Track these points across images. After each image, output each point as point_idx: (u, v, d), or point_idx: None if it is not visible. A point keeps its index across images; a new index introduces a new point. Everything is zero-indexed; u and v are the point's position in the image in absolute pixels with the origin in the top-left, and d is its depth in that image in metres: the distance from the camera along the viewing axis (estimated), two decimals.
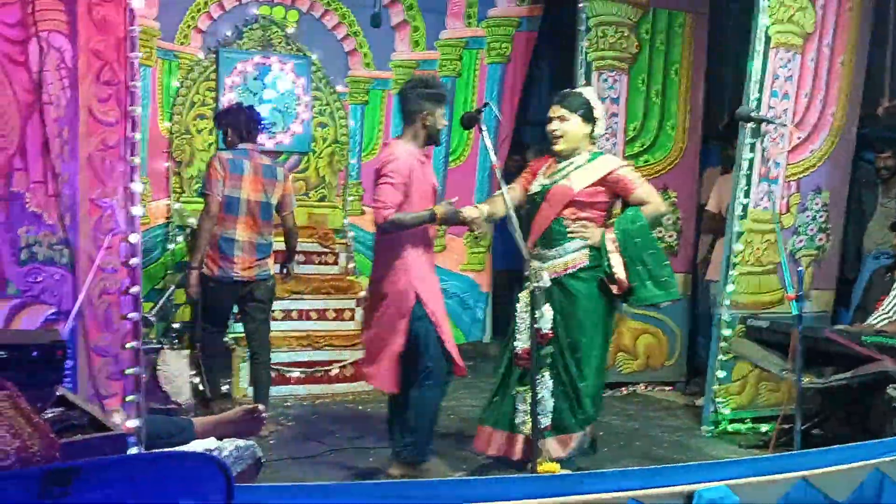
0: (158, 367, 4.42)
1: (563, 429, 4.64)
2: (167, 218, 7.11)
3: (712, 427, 5.81)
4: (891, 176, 6.40)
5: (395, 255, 4.59)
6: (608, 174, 4.68)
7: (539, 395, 4.42)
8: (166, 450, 3.09)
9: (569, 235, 4.69)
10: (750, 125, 5.59)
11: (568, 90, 5.01)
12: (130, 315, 3.54)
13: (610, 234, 4.63)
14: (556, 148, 4.76)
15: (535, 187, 4.84)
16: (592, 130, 4.77)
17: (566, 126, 4.71)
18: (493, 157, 4.68)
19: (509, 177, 8.01)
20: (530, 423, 4.37)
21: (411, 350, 4.59)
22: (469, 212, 4.74)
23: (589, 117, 4.73)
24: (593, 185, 4.67)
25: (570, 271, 4.67)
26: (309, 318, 6.88)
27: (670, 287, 4.62)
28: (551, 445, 4.64)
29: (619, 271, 4.60)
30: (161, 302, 6.21)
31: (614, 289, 4.62)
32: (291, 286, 6.86)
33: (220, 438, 4.01)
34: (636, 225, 4.61)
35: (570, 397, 4.65)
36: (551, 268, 4.67)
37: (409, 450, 4.66)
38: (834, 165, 6.25)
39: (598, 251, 4.65)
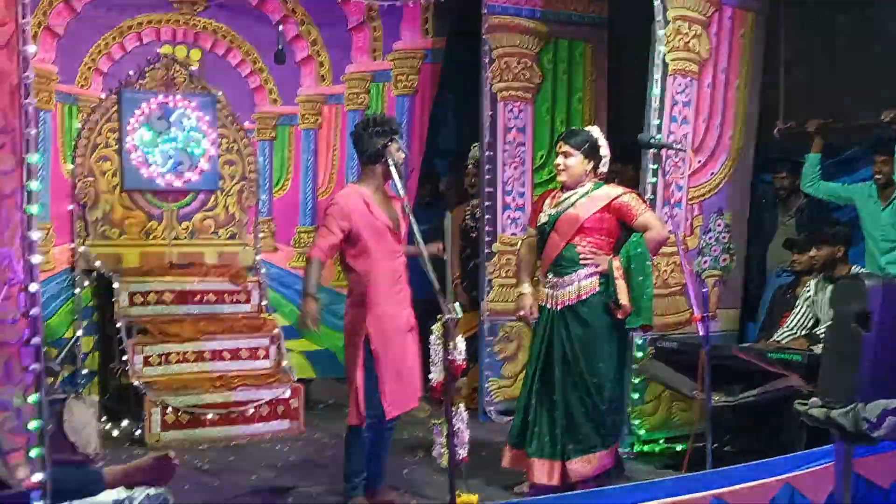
0: (65, 418, 4.30)
1: (587, 449, 4.90)
2: (72, 263, 6.94)
3: (628, 448, 5.88)
4: (788, 195, 6.58)
5: (355, 288, 4.77)
6: (612, 201, 4.95)
7: (455, 427, 4.45)
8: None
9: (580, 262, 4.93)
10: (652, 151, 5.71)
11: (576, 128, 5.54)
12: (32, 367, 3.44)
13: (616, 262, 4.90)
14: (559, 179, 5.08)
15: (542, 218, 5.11)
16: (596, 167, 5.03)
17: (569, 161, 5.00)
18: (401, 191, 4.75)
19: (423, 207, 8.11)
20: (447, 455, 4.39)
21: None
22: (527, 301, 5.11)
23: (591, 154, 5.00)
24: (599, 211, 4.94)
25: (582, 298, 4.93)
26: (222, 359, 6.77)
27: (643, 313, 4.89)
28: (576, 466, 4.90)
29: (623, 297, 4.86)
30: (66, 349, 6.06)
31: (619, 314, 4.88)
32: (203, 326, 6.76)
33: (130, 487, 3.94)
34: (637, 252, 4.89)
35: (593, 418, 4.89)
36: (563, 296, 4.96)
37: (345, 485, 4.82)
38: (734, 187, 6.41)
39: (606, 278, 4.90)
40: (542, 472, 4.93)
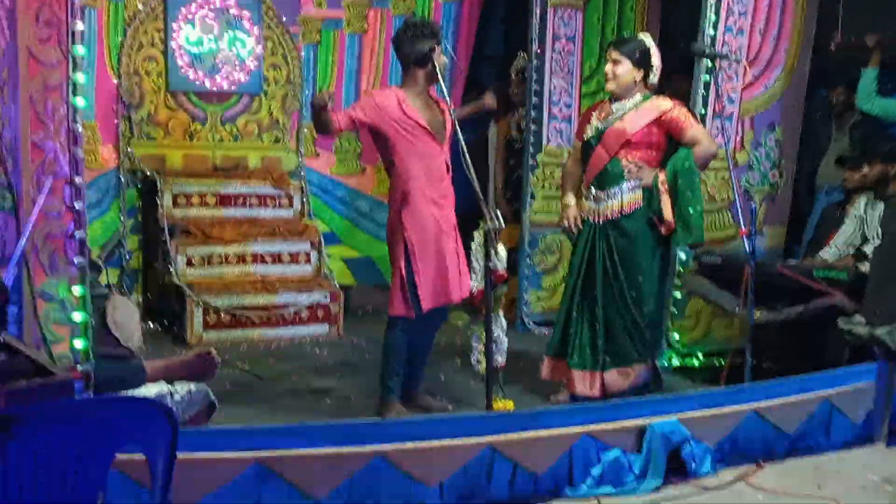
0: (108, 313, 4.36)
1: (624, 361, 4.92)
2: (117, 162, 6.98)
3: (666, 362, 5.87)
4: (843, 111, 6.42)
5: (394, 186, 4.78)
6: (661, 115, 4.85)
7: (494, 335, 4.47)
8: (111, 395, 3.06)
9: (625, 176, 4.87)
10: (705, 61, 5.57)
11: (628, 36, 5.42)
12: (76, 259, 3.48)
13: (661, 175, 4.83)
14: (608, 88, 4.98)
15: (589, 131, 5.03)
16: (647, 76, 4.91)
17: (618, 69, 4.89)
18: (447, 97, 4.70)
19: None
20: (484, 362, 4.41)
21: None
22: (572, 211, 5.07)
23: (642, 63, 4.89)
24: (647, 125, 4.85)
25: (626, 212, 4.88)
26: (264, 262, 6.81)
27: (693, 230, 4.82)
28: (613, 377, 4.93)
29: (667, 212, 4.81)
30: (109, 246, 6.12)
31: (662, 229, 4.83)
32: (245, 230, 6.80)
33: (171, 382, 4.00)
34: (685, 166, 4.80)
35: (631, 331, 4.90)
36: (607, 209, 4.92)
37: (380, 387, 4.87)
38: (787, 102, 6.26)
39: (650, 192, 4.84)
40: (584, 382, 4.94)
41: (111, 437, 2.11)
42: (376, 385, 4.92)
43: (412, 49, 4.69)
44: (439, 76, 4.64)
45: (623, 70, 4.87)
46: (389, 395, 4.80)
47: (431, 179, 4.74)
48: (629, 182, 4.86)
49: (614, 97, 4.96)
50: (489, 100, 5.00)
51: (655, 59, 4.91)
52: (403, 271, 4.70)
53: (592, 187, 4.98)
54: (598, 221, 4.94)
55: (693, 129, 4.85)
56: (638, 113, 4.87)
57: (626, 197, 4.87)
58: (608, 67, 4.94)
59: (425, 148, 4.71)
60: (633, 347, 4.90)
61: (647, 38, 4.97)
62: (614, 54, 4.91)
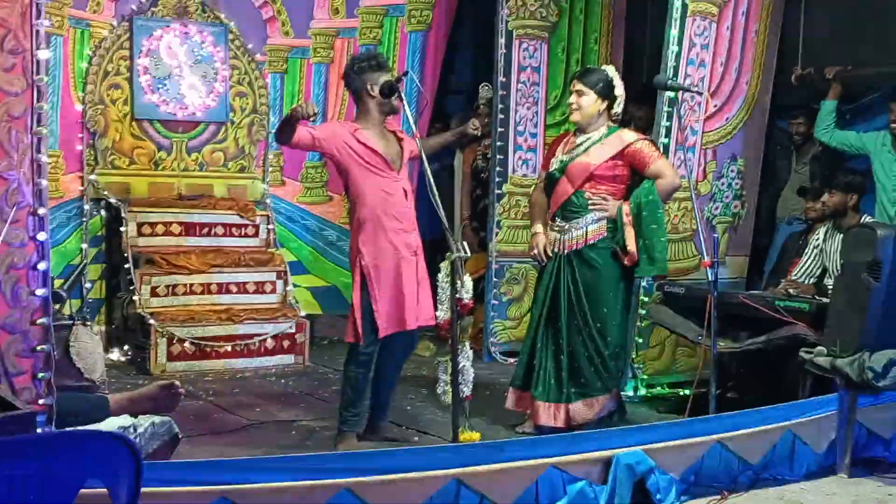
0: (71, 344, 4.33)
1: (588, 393, 4.93)
2: (81, 191, 6.93)
3: (631, 392, 5.90)
4: (804, 142, 6.52)
5: (352, 213, 4.80)
6: (625, 148, 4.88)
7: (460, 365, 4.46)
8: (74, 429, 3.03)
9: (589, 208, 4.90)
10: (667, 93, 5.64)
11: (591, 67, 5.46)
12: (39, 291, 3.44)
13: (626, 207, 4.85)
14: (573, 119, 5.04)
15: (554, 164, 5.05)
16: (611, 107, 4.96)
17: (583, 100, 4.93)
18: (413, 127, 4.74)
19: None
20: (450, 393, 4.41)
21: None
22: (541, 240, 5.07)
23: (606, 94, 4.93)
24: (611, 158, 4.88)
25: (590, 242, 4.90)
26: (229, 292, 6.79)
27: (657, 262, 4.84)
28: (578, 409, 4.94)
29: (630, 244, 4.83)
30: (73, 276, 6.07)
31: (626, 260, 4.85)
32: (210, 259, 6.77)
33: (135, 415, 3.96)
34: (649, 199, 4.83)
35: (595, 362, 4.91)
36: (571, 240, 4.94)
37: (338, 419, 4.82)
38: (749, 133, 6.35)
39: (614, 223, 4.87)
40: (548, 414, 4.95)
41: (74, 471, 2.08)
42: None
43: (358, 81, 4.72)
44: (404, 103, 4.64)
45: (587, 101, 4.92)
46: (342, 427, 4.76)
47: (388, 206, 4.71)
48: (593, 214, 4.90)
49: (579, 129, 5.01)
50: (471, 127, 4.98)
51: (619, 90, 4.96)
52: (359, 299, 4.69)
53: (557, 218, 5.01)
54: (563, 252, 4.97)
55: (657, 163, 4.88)
56: (602, 146, 4.91)
57: (590, 228, 4.90)
58: (572, 98, 4.98)
59: (380, 175, 4.70)
60: (597, 378, 4.91)
61: (610, 70, 5.03)
62: (578, 86, 4.95)
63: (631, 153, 4.88)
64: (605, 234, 4.89)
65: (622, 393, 5.84)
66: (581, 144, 4.97)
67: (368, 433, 4.87)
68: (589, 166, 4.89)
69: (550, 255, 5.02)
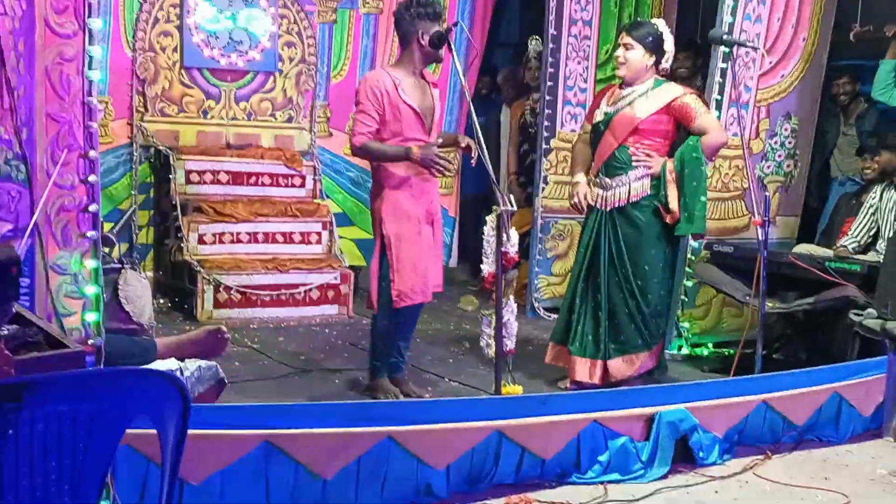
0: (119, 287, 4.37)
1: (628, 350, 4.91)
2: (130, 137, 6.98)
3: (675, 350, 5.86)
4: (849, 102, 6.37)
5: (375, 173, 4.68)
6: (671, 101, 4.80)
7: (504, 319, 4.45)
8: (124, 367, 3.06)
9: (633, 164, 4.83)
10: (722, 48, 5.53)
11: (641, 20, 5.30)
12: (89, 233, 3.47)
13: (670, 164, 4.78)
14: (619, 74, 4.94)
15: (598, 116, 4.98)
16: (659, 62, 4.86)
17: (630, 54, 4.83)
18: (463, 79, 4.69)
19: (479, 100, 8.00)
20: (494, 346, 4.40)
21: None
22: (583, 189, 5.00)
23: (654, 48, 4.82)
24: (657, 112, 4.80)
25: (633, 200, 4.84)
26: (275, 241, 6.81)
27: (695, 221, 4.76)
28: (617, 365, 4.93)
29: (673, 202, 4.77)
30: (122, 220, 6.13)
31: (668, 218, 4.80)
32: (257, 208, 6.80)
33: (182, 359, 4.00)
34: (692, 156, 4.75)
35: (635, 320, 4.88)
36: (614, 197, 4.88)
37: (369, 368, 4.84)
38: (804, 92, 6.23)
39: (658, 180, 4.80)
40: (584, 370, 4.95)
41: (123, 410, 2.10)
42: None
43: (411, 25, 4.58)
44: (454, 56, 4.55)
45: (635, 55, 4.82)
46: (378, 374, 4.77)
47: (414, 168, 4.60)
48: (637, 170, 4.83)
49: (625, 82, 4.92)
50: (463, 143, 4.69)
51: (668, 45, 4.86)
52: (376, 267, 4.63)
53: (600, 174, 4.96)
54: (605, 208, 4.92)
55: (702, 118, 4.78)
56: (648, 99, 4.82)
57: (633, 185, 4.83)
58: (619, 52, 4.90)
59: (412, 134, 4.57)
60: (637, 336, 4.88)
61: (660, 23, 4.93)
62: (626, 39, 4.86)
63: (677, 107, 4.79)
64: (649, 192, 4.82)
65: (667, 351, 5.84)
66: (626, 97, 4.88)
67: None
68: (634, 119, 4.81)
69: (592, 203, 4.96)
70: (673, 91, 4.83)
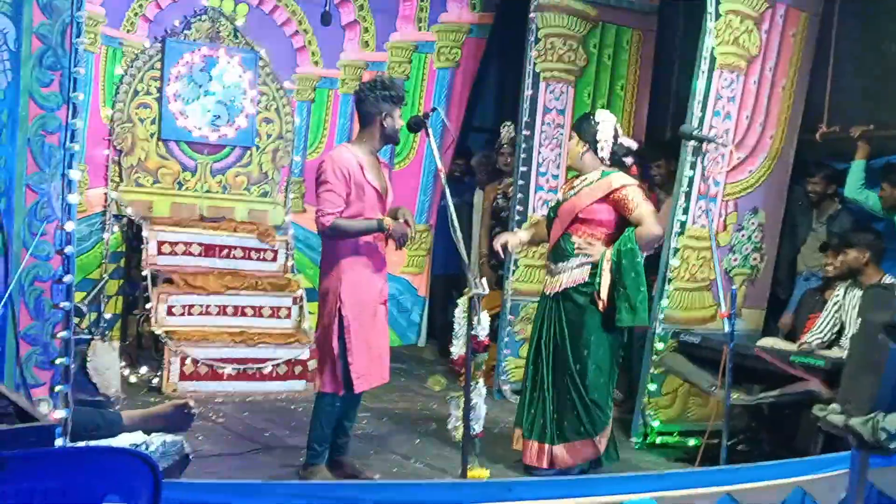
0: (88, 359, 4.35)
1: (569, 437, 4.94)
2: (104, 206, 7.00)
3: (641, 439, 5.88)
4: (821, 200, 6.51)
5: (331, 254, 4.60)
6: (612, 192, 4.91)
7: (473, 402, 4.47)
8: (94, 444, 3.04)
9: (574, 251, 4.93)
10: (692, 143, 5.66)
11: (586, 113, 5.46)
12: (62, 304, 3.47)
13: (608, 253, 4.87)
14: (567, 164, 5.22)
15: (553, 203, 5.15)
16: (595, 151, 5.00)
17: (570, 143, 5.11)
18: (439, 162, 4.76)
19: (452, 183, 8.08)
20: (461, 429, 4.41)
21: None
22: (510, 239, 5.28)
23: (588, 138, 5.00)
24: (597, 202, 4.92)
25: (574, 286, 4.93)
26: (244, 315, 6.81)
27: (637, 312, 4.81)
28: (559, 452, 4.96)
29: (604, 290, 4.85)
30: (94, 292, 6.11)
31: (599, 305, 4.86)
32: (228, 281, 6.80)
33: (148, 433, 3.98)
34: (627, 247, 4.84)
35: (576, 406, 4.91)
36: (558, 281, 4.97)
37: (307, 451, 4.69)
38: (771, 187, 6.36)
39: (597, 267, 4.87)
40: (533, 453, 5.00)
41: (94, 487, 2.09)
42: (351, 445, 4.89)
43: (376, 109, 4.59)
44: (433, 142, 4.63)
45: (571, 144, 5.07)
46: (316, 460, 4.64)
47: (371, 249, 4.60)
48: (578, 257, 4.92)
49: (578, 171, 5.09)
50: (402, 219, 4.64)
51: (602, 134, 4.99)
52: (336, 349, 4.53)
53: (549, 259, 5.09)
54: (551, 293, 5.01)
55: (638, 210, 4.86)
56: (592, 189, 4.95)
57: (574, 272, 4.93)
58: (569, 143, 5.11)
59: (372, 214, 4.56)
60: (577, 423, 4.91)
61: (599, 115, 5.09)
62: (570, 131, 5.09)
63: (616, 198, 4.90)
64: (587, 279, 4.90)
65: (633, 439, 5.86)
66: (576, 186, 5.05)
67: (329, 467, 4.75)
68: (575, 208, 4.94)
69: (504, 253, 5.24)
70: (615, 182, 4.92)
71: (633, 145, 5.14)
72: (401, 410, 6.38)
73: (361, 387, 4.59)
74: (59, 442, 3.26)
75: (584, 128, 5.01)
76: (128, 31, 7.11)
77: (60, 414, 3.40)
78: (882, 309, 4.56)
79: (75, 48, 3.57)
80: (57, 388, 3.45)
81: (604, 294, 4.82)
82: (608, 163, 5.03)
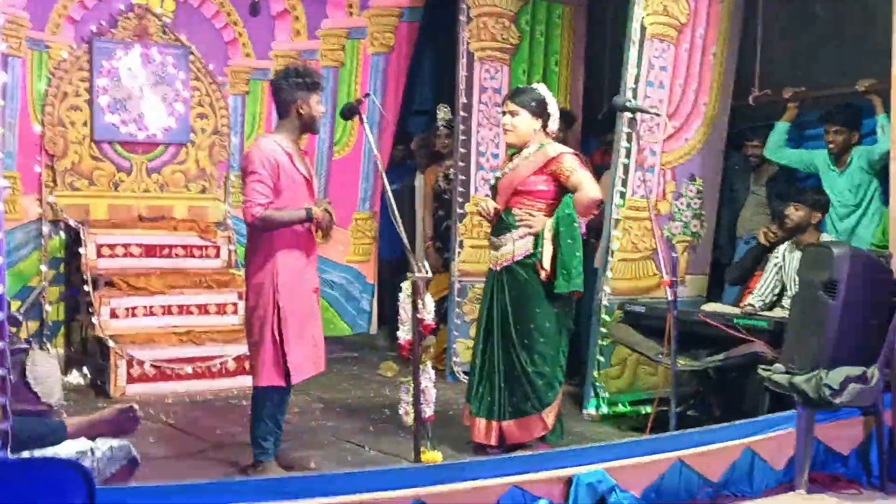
0: (28, 368, 4.26)
1: (520, 413, 4.90)
2: (40, 213, 6.88)
3: (592, 410, 5.92)
4: (760, 163, 6.60)
5: (264, 245, 4.50)
6: (549, 161, 4.86)
7: (422, 386, 4.47)
8: (27, 456, 2.99)
9: (516, 224, 4.88)
10: (627, 114, 5.69)
11: (521, 86, 5.34)
12: None
13: (549, 223, 4.83)
14: (507, 140, 5.05)
15: (491, 180, 5.07)
16: (545, 125, 4.94)
17: (517, 120, 4.92)
18: (375, 149, 4.73)
19: (395, 167, 8.08)
20: (412, 413, 4.41)
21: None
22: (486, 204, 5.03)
23: (538, 112, 4.92)
24: (535, 173, 4.87)
25: (517, 259, 4.88)
26: (190, 313, 6.73)
27: (572, 278, 4.79)
28: (510, 429, 4.92)
29: (546, 259, 4.80)
30: (30, 299, 6.00)
31: (542, 275, 4.81)
32: (171, 280, 6.73)
33: (93, 438, 3.92)
34: (565, 213, 4.81)
35: (523, 381, 4.87)
36: (502, 256, 4.93)
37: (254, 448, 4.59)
38: (707, 154, 6.42)
39: (538, 238, 4.84)
40: (481, 431, 4.97)
41: (27, 499, 2.06)
42: (307, 436, 4.87)
43: (289, 95, 4.51)
44: (367, 129, 4.62)
45: (521, 121, 4.91)
46: (265, 456, 4.55)
47: (304, 237, 4.55)
48: (520, 229, 4.89)
49: (516, 147, 5.00)
50: (321, 206, 4.56)
51: (552, 107, 4.96)
52: (276, 339, 4.44)
53: (491, 235, 5.05)
54: (496, 268, 4.99)
55: (575, 175, 4.82)
56: (528, 161, 4.91)
57: (517, 244, 4.89)
58: (506, 119, 4.96)
59: (302, 203, 4.50)
60: (524, 399, 4.89)
61: (541, 87, 5.04)
62: (511, 106, 4.94)
63: (552, 167, 4.86)
64: (531, 251, 4.87)
65: (585, 410, 5.90)
66: (514, 160, 5.00)
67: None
68: (514, 181, 4.91)
69: (490, 213, 4.98)
70: (550, 151, 4.88)
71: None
72: (353, 399, 6.36)
73: (298, 377, 4.53)
74: None
75: (533, 102, 4.90)
76: (53, 33, 6.97)
77: (0, 426, 3.32)
78: (820, 268, 4.64)
79: None
80: None
81: (546, 264, 4.79)
82: (553, 136, 5.01)
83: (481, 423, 4.98)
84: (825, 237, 5.64)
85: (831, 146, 5.91)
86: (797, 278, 5.24)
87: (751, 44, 6.64)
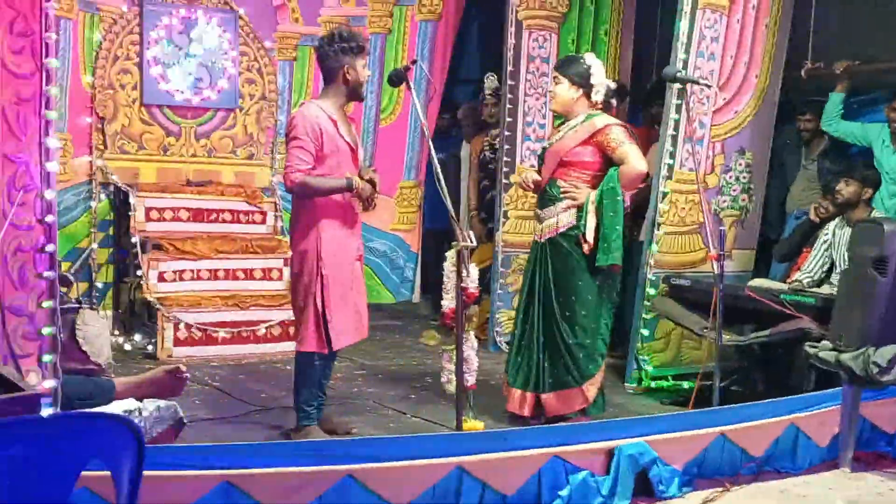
0: (77, 327, 4.34)
1: (560, 385, 4.90)
2: (90, 175, 6.96)
3: (635, 384, 5.90)
4: (812, 138, 6.51)
5: (308, 213, 4.51)
6: (595, 133, 4.84)
7: (465, 354, 4.48)
8: (77, 411, 3.05)
9: (560, 196, 4.87)
10: (676, 86, 5.62)
11: (570, 56, 5.39)
12: (46, 273, 3.45)
13: (593, 195, 4.81)
14: (551, 107, 5.22)
15: (538, 150, 5.09)
16: (588, 94, 4.91)
17: (558, 88, 4.94)
18: (422, 116, 4.72)
19: (440, 136, 8.06)
20: (455, 382, 4.43)
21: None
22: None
23: (581, 82, 4.90)
24: (581, 144, 4.85)
25: (561, 231, 4.87)
26: (236, 278, 6.79)
27: (612, 251, 4.75)
28: (550, 400, 4.92)
29: (589, 232, 4.78)
30: (81, 260, 6.10)
31: (585, 248, 4.80)
32: (218, 245, 6.78)
33: (140, 399, 3.99)
34: (609, 186, 4.78)
35: (564, 354, 4.87)
36: (545, 228, 4.93)
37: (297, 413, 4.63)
38: (757, 127, 6.33)
39: (582, 210, 4.82)
40: (515, 401, 4.99)
41: (77, 452, 2.09)
42: (349, 403, 4.90)
43: (335, 61, 4.49)
44: (414, 96, 4.60)
45: (561, 89, 4.91)
46: (308, 421, 4.57)
47: (346, 207, 4.54)
48: (564, 201, 4.87)
49: (562, 116, 5.03)
50: (367, 176, 4.59)
51: (596, 79, 4.90)
52: (319, 307, 4.46)
53: (536, 207, 5.05)
54: (541, 240, 4.97)
55: (621, 149, 4.77)
56: (575, 132, 4.88)
57: (561, 216, 4.87)
58: (551, 87, 5.04)
59: (346, 171, 4.50)
60: (565, 371, 4.87)
61: (588, 58, 4.99)
62: (554, 74, 5.00)
63: (598, 138, 4.82)
64: (574, 223, 4.84)
65: (627, 384, 5.88)
66: (561, 131, 4.99)
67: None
68: (560, 152, 4.88)
69: (531, 184, 5.03)
70: (598, 122, 4.84)
71: (613, 86, 5.06)
72: (396, 367, 6.40)
73: (340, 343, 4.56)
74: (49, 411, 3.27)
75: (577, 72, 4.88)
76: None
77: (50, 383, 3.39)
78: (870, 244, 4.56)
79: (45, 13, 3.51)
80: (45, 358, 3.44)
81: (589, 237, 4.76)
82: (600, 107, 4.97)
83: (516, 393, 5.00)
84: (875, 213, 5.55)
85: (894, 124, 5.82)
86: (846, 255, 5.18)
87: (804, 16, 6.51)
